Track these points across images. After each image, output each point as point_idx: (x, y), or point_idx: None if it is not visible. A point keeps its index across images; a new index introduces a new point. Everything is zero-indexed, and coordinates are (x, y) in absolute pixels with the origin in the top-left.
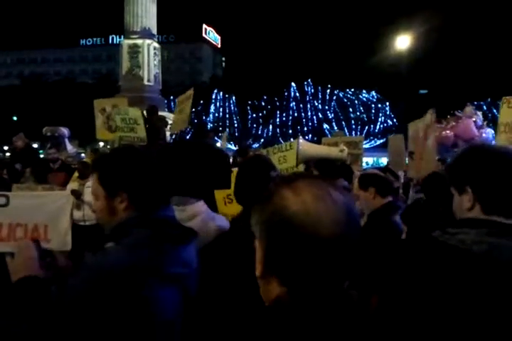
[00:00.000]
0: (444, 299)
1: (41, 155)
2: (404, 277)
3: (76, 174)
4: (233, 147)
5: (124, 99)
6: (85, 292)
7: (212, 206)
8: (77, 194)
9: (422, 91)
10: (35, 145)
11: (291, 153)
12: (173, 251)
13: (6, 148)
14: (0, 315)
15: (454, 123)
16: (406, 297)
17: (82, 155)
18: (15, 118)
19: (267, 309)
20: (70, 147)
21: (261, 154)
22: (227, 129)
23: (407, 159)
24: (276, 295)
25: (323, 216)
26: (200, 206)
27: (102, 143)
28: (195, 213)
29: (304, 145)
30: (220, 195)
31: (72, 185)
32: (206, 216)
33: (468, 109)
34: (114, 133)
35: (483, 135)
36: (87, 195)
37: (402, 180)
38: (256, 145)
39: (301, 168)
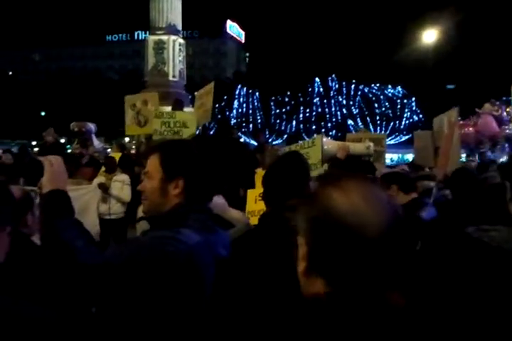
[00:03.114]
0: (474, 294)
1: (68, 150)
2: (436, 274)
3: (103, 168)
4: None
5: (155, 94)
6: (155, 261)
7: (239, 202)
8: (104, 188)
9: (449, 87)
10: (62, 141)
11: (314, 149)
12: (221, 234)
13: (34, 143)
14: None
15: (475, 120)
16: (440, 294)
17: (109, 150)
18: (43, 113)
19: (306, 302)
20: (96, 142)
21: (294, 151)
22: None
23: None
24: (316, 291)
25: (370, 216)
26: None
27: (127, 139)
28: None
29: (329, 144)
30: (252, 194)
31: (99, 179)
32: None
33: (488, 105)
34: (143, 128)
35: (506, 131)
36: (114, 189)
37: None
38: (279, 141)
39: (324, 166)
